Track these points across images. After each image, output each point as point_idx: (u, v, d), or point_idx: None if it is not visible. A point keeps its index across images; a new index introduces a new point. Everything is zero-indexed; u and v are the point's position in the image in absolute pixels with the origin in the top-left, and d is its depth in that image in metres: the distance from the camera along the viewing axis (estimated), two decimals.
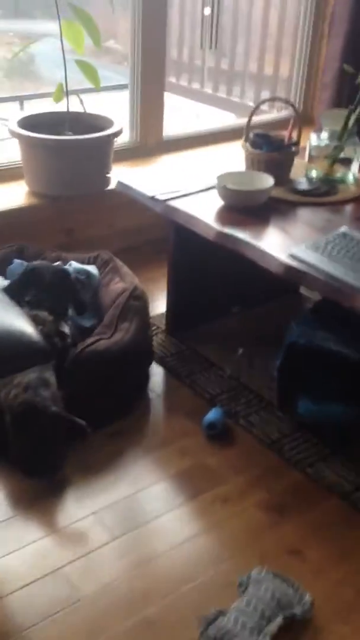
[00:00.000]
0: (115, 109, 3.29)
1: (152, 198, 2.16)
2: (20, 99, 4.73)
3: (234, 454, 1.99)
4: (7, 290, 2.11)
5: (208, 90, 4.89)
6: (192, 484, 1.89)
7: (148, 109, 3.20)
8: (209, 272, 2.43)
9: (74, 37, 2.72)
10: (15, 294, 2.06)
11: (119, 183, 2.28)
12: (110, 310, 2.19)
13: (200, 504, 1.83)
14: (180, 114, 4.65)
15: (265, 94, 4.41)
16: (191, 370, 2.30)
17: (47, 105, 2.89)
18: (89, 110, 2.88)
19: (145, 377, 2.25)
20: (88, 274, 2.37)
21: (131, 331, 2.11)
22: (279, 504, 1.83)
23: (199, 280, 2.44)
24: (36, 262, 2.23)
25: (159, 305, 2.57)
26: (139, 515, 1.78)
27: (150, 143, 3.28)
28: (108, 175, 2.30)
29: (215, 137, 3.47)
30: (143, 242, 2.89)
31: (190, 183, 2.26)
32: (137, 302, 2.21)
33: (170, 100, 4.95)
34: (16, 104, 4.57)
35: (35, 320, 1.96)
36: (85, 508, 1.79)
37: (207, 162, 2.54)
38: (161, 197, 2.15)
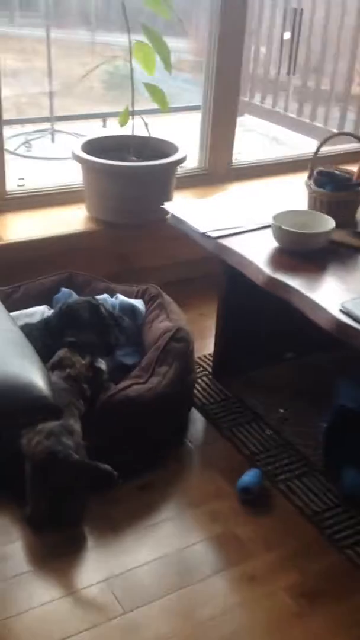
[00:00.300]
0: (185, 129, 3.17)
1: (204, 235, 2.01)
2: (104, 116, 4.73)
3: (268, 524, 1.80)
4: (46, 327, 2.01)
5: (292, 114, 4.69)
6: (219, 555, 1.71)
7: (219, 134, 3.06)
8: (261, 314, 2.25)
9: (144, 59, 2.62)
10: (54, 333, 1.98)
11: (172, 216, 2.14)
12: (150, 352, 2.05)
13: (225, 580, 1.65)
14: (259, 138, 4.48)
15: (351, 116, 4.18)
16: (233, 422, 2.12)
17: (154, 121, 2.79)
18: (157, 131, 2.77)
19: (182, 425, 2.09)
20: (133, 309, 2.24)
21: (169, 377, 1.96)
22: (312, 590, 1.63)
23: (250, 322, 2.26)
24: (73, 300, 2.11)
25: (208, 344, 2.41)
26: (154, 588, 1.62)
27: (219, 170, 3.13)
28: (162, 206, 2.16)
29: (289, 166, 3.29)
30: (200, 274, 2.74)
31: (248, 218, 2.09)
32: (179, 345, 2.05)
33: (250, 123, 4.82)
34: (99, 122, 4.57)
35: (63, 363, 1.86)
36: (99, 572, 1.65)
37: (275, 194, 2.38)
38: (213, 234, 2.00)
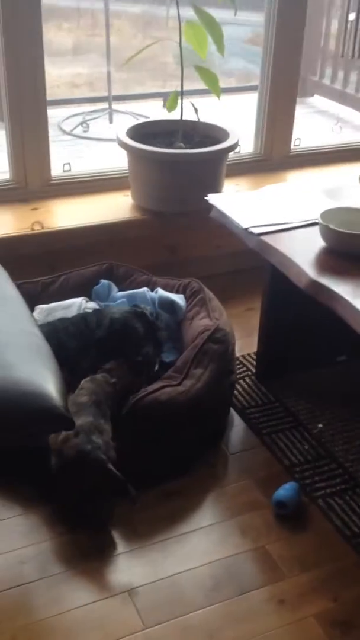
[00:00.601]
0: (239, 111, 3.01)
1: (246, 230, 1.90)
2: (165, 96, 4.60)
3: (303, 542, 1.69)
4: (97, 344, 1.96)
5: None
6: (248, 573, 1.62)
7: (277, 117, 2.91)
8: (311, 312, 2.09)
9: (197, 41, 2.50)
10: (107, 350, 1.93)
11: (215, 209, 2.03)
12: (187, 351, 1.96)
13: (252, 601, 1.56)
14: (327, 122, 4.25)
15: None
16: (274, 428, 2.01)
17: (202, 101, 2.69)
18: (207, 114, 2.65)
19: (219, 430, 2.00)
20: (172, 304, 2.15)
21: (204, 379, 1.86)
22: (345, 619, 1.52)
23: (298, 320, 2.13)
24: (120, 315, 2.01)
25: (254, 342, 2.27)
26: (176, 604, 1.54)
27: (276, 156, 2.99)
28: (205, 198, 2.05)
29: (356, 153, 3.11)
30: (249, 266, 2.61)
31: (298, 213, 1.96)
32: (216, 346, 1.95)
33: (319, 104, 4.59)
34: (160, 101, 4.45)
35: (113, 373, 1.85)
36: (122, 582, 1.58)
37: (335, 186, 2.22)
38: (256, 230, 1.88)
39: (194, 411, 1.84)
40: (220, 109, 2.86)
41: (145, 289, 2.21)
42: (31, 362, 1.29)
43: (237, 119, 2.92)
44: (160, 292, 2.19)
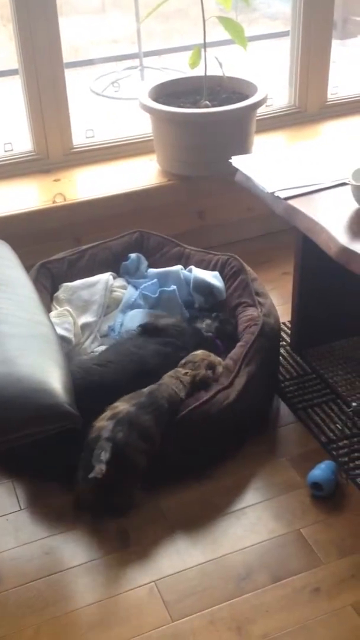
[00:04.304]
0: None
1: (272, 195, 1.76)
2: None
3: (341, 526, 1.60)
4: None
5: None
6: (281, 560, 1.54)
7: (311, 64, 2.72)
8: (348, 278, 1.95)
9: None
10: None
11: (239, 173, 1.90)
12: (237, 347, 1.83)
13: (285, 590, 1.48)
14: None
15: None
16: (310, 402, 1.91)
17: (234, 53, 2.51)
18: (233, 67, 2.49)
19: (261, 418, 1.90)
20: (211, 289, 2.04)
21: (256, 377, 1.78)
22: None
23: (333, 286, 1.99)
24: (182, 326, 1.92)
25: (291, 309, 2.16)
26: (205, 595, 1.48)
27: (311, 107, 2.80)
28: (229, 160, 1.91)
29: None
30: (283, 228, 2.47)
31: (330, 172, 1.81)
32: (267, 342, 1.86)
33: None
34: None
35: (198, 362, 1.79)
36: (149, 572, 1.52)
37: None
38: (282, 195, 1.74)
39: (240, 414, 1.76)
40: (256, 59, 2.68)
41: (179, 267, 2.10)
42: (36, 355, 1.22)
43: (275, 68, 2.74)
44: (195, 272, 2.07)
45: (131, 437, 1.58)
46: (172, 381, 1.71)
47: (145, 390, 1.67)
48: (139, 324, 1.89)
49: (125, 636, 1.41)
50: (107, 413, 1.62)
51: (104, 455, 1.52)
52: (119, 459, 1.55)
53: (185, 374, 1.74)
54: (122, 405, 1.63)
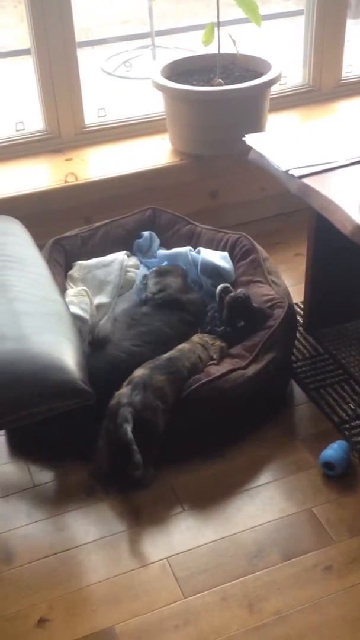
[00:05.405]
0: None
1: (286, 173, 1.75)
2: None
3: (353, 505, 1.60)
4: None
5: None
6: (293, 538, 1.54)
7: (326, 43, 2.69)
8: None
9: None
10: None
11: (253, 151, 1.88)
12: (258, 335, 1.82)
13: (297, 568, 1.49)
14: None
15: None
16: (322, 382, 1.90)
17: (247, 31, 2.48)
18: (247, 47, 2.46)
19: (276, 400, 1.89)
20: (218, 272, 2.02)
21: (275, 362, 1.78)
22: None
23: (348, 267, 1.98)
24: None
25: (303, 290, 2.15)
26: (217, 572, 1.48)
27: (325, 86, 2.77)
28: (243, 139, 1.90)
29: None
30: (296, 208, 2.46)
31: (345, 150, 1.79)
32: (287, 329, 1.86)
33: None
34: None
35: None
36: (161, 548, 1.53)
37: None
38: (297, 172, 1.73)
39: (256, 394, 1.75)
40: (269, 39, 2.65)
41: (188, 248, 2.09)
42: (50, 332, 1.22)
43: (288, 47, 2.71)
44: (203, 254, 2.06)
45: (147, 398, 1.60)
46: (199, 348, 1.76)
47: (165, 355, 1.71)
48: (160, 292, 1.92)
49: (138, 612, 1.42)
50: (127, 381, 1.65)
51: (128, 421, 1.55)
52: (140, 422, 1.57)
53: (213, 344, 1.78)
54: (139, 371, 1.66)
